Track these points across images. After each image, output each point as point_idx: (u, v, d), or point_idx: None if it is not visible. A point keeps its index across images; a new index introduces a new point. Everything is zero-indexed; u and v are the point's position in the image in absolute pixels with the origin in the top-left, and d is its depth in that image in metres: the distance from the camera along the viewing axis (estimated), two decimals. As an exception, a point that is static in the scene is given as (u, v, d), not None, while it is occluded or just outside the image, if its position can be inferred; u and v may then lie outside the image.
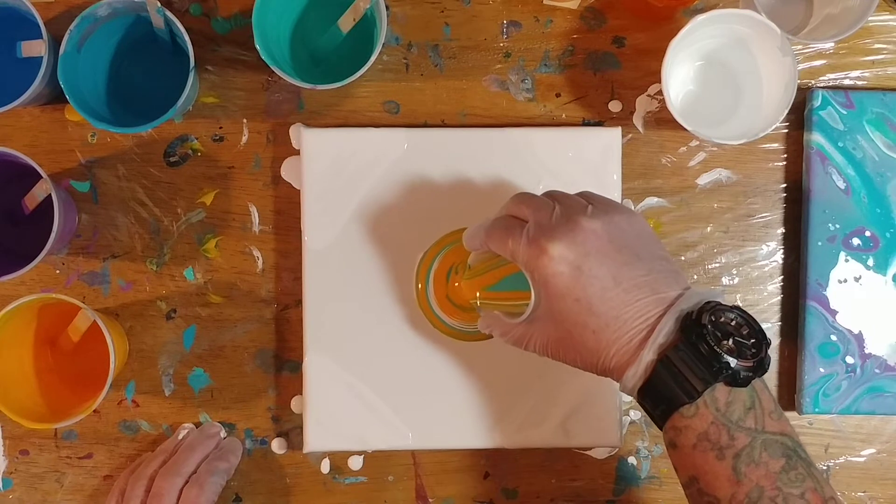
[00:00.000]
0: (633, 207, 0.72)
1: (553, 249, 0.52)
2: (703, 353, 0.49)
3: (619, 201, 0.70)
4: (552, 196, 0.56)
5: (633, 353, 0.51)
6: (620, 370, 0.52)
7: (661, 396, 0.51)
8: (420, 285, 0.69)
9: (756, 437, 0.50)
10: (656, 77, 0.68)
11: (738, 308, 0.52)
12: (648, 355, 0.50)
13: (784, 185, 0.72)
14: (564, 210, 0.54)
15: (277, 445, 0.71)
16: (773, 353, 0.72)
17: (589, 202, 0.55)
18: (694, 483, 0.51)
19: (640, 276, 0.52)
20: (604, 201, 0.56)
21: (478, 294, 0.64)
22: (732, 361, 0.49)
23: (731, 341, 0.50)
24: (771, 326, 0.72)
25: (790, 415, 0.72)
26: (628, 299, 0.51)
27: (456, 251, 0.69)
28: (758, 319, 0.71)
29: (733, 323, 0.52)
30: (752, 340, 0.51)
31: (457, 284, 0.68)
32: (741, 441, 0.49)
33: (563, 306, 0.52)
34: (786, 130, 0.72)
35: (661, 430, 0.53)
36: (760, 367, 0.50)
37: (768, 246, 0.72)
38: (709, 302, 0.51)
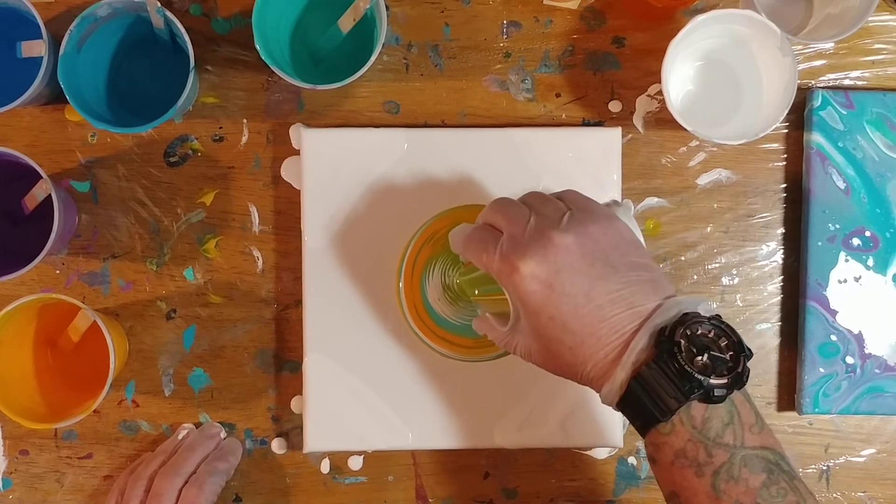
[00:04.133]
0: (632, 207, 0.72)
1: (524, 267, 0.51)
2: (674, 371, 0.48)
3: (620, 201, 0.70)
4: (529, 203, 0.55)
5: (609, 369, 0.51)
6: (598, 384, 0.52)
7: (636, 413, 0.50)
8: (400, 284, 0.68)
9: (735, 452, 0.49)
10: (656, 77, 0.68)
11: (717, 318, 0.51)
12: (622, 373, 0.50)
13: (784, 185, 0.72)
14: (538, 222, 0.52)
15: (277, 445, 0.71)
16: (773, 353, 0.72)
17: (568, 207, 0.54)
18: (675, 498, 0.51)
19: (615, 290, 0.50)
20: (582, 206, 0.54)
21: (476, 291, 0.64)
22: (705, 380, 0.48)
23: (705, 357, 0.49)
24: (771, 326, 0.72)
25: (790, 415, 0.72)
26: (603, 315, 0.50)
27: (421, 241, 0.68)
28: (758, 319, 0.72)
29: (711, 334, 0.50)
30: (730, 353, 0.50)
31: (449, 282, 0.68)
32: (720, 458, 0.49)
33: (538, 323, 0.52)
34: (786, 130, 0.72)
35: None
36: (737, 382, 0.49)
37: (768, 246, 0.72)
38: (686, 314, 0.50)
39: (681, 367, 0.48)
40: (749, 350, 0.51)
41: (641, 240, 0.57)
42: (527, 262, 0.51)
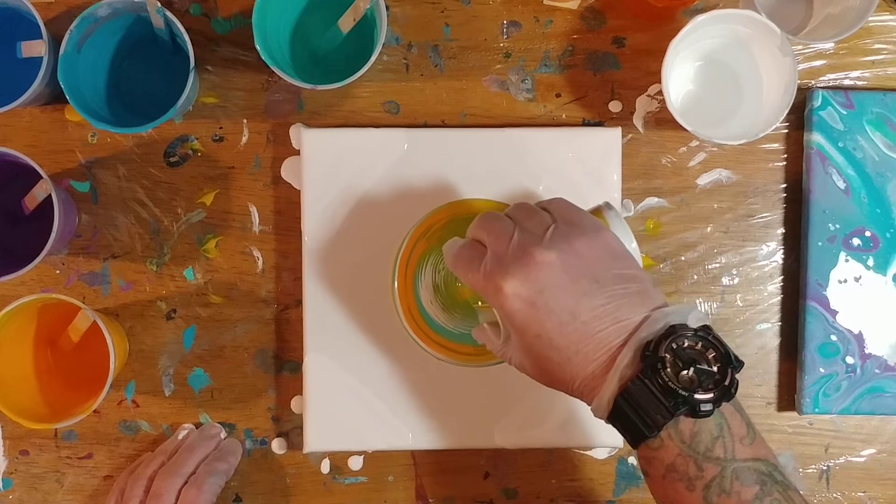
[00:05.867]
0: (632, 208, 0.72)
1: (507, 287, 0.51)
2: (659, 387, 0.48)
3: (620, 201, 0.70)
4: (514, 217, 0.54)
5: (597, 384, 0.50)
6: (588, 399, 0.52)
7: (625, 428, 0.50)
8: (396, 284, 0.68)
9: (726, 466, 0.48)
10: (656, 77, 0.68)
11: (704, 330, 0.50)
12: (609, 388, 0.49)
13: (784, 186, 0.72)
14: (521, 238, 0.52)
15: (277, 445, 0.71)
16: (773, 353, 0.72)
17: (554, 219, 0.53)
18: None
19: (600, 305, 0.50)
20: (568, 218, 0.54)
21: (479, 303, 0.64)
22: (690, 395, 0.48)
23: (691, 371, 0.49)
24: (771, 326, 0.72)
25: (790, 415, 0.72)
26: (589, 331, 0.50)
27: (415, 238, 0.67)
28: (758, 319, 0.72)
29: (698, 346, 0.50)
30: (718, 366, 0.49)
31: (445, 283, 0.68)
32: (710, 471, 0.48)
33: (526, 341, 0.52)
34: (786, 130, 0.72)
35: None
36: (725, 395, 0.49)
37: (768, 246, 0.72)
38: (673, 326, 0.49)
39: (664, 383, 0.48)
40: (738, 361, 0.50)
41: (634, 245, 0.57)
42: (509, 281, 0.51)
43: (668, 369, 0.48)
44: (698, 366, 0.49)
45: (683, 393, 0.48)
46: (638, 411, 0.49)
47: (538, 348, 0.51)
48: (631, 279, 0.51)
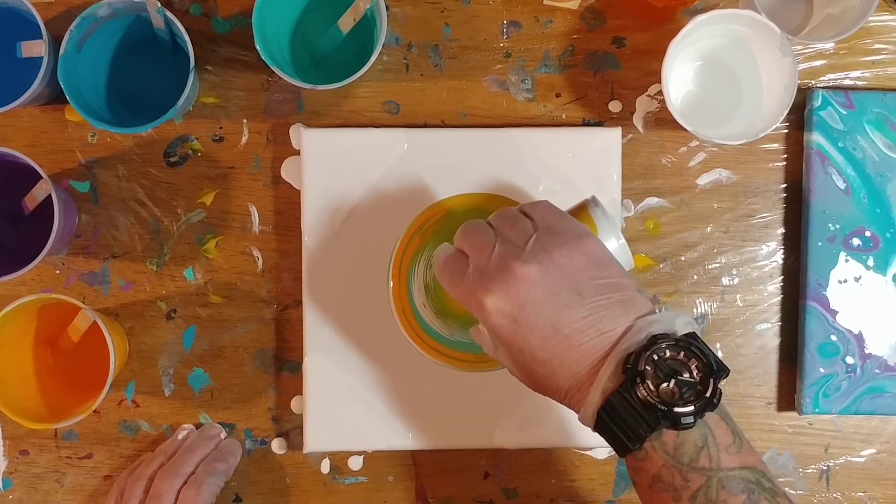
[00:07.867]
0: (633, 208, 0.72)
1: (488, 303, 0.51)
2: (638, 401, 0.48)
3: (620, 201, 0.70)
4: (496, 226, 0.54)
5: (581, 397, 0.50)
6: (575, 410, 0.52)
7: (610, 439, 0.50)
8: (391, 283, 0.68)
9: (712, 476, 0.48)
10: (656, 77, 0.68)
11: (686, 339, 0.49)
12: (592, 402, 0.49)
13: (784, 186, 0.72)
14: (502, 251, 0.51)
15: (277, 445, 0.71)
16: (773, 353, 0.72)
17: (536, 227, 0.53)
18: None
19: (582, 317, 0.50)
20: (550, 226, 0.53)
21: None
22: (669, 409, 0.48)
23: (672, 383, 0.48)
24: (771, 326, 0.72)
25: (790, 415, 0.72)
26: (571, 344, 0.50)
27: (409, 235, 0.67)
28: (758, 319, 0.72)
29: (680, 356, 0.49)
30: (700, 376, 0.49)
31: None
32: (696, 482, 0.48)
33: (511, 353, 0.52)
34: (786, 130, 0.72)
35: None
36: (707, 406, 0.48)
37: (768, 246, 0.72)
38: (655, 336, 0.48)
39: (643, 397, 0.48)
40: (722, 369, 0.49)
41: (622, 241, 0.56)
42: (490, 297, 0.51)
43: (649, 382, 0.48)
44: (679, 377, 0.49)
45: (662, 407, 0.48)
46: (620, 424, 0.49)
47: (523, 361, 0.52)
48: (614, 287, 0.51)
